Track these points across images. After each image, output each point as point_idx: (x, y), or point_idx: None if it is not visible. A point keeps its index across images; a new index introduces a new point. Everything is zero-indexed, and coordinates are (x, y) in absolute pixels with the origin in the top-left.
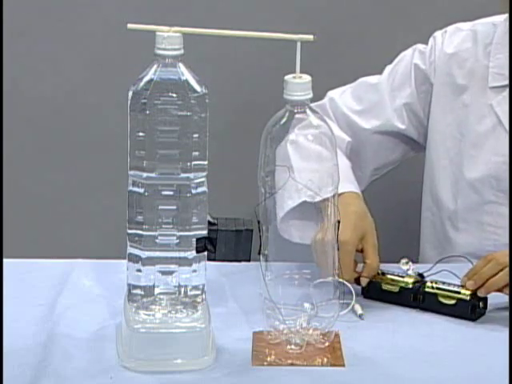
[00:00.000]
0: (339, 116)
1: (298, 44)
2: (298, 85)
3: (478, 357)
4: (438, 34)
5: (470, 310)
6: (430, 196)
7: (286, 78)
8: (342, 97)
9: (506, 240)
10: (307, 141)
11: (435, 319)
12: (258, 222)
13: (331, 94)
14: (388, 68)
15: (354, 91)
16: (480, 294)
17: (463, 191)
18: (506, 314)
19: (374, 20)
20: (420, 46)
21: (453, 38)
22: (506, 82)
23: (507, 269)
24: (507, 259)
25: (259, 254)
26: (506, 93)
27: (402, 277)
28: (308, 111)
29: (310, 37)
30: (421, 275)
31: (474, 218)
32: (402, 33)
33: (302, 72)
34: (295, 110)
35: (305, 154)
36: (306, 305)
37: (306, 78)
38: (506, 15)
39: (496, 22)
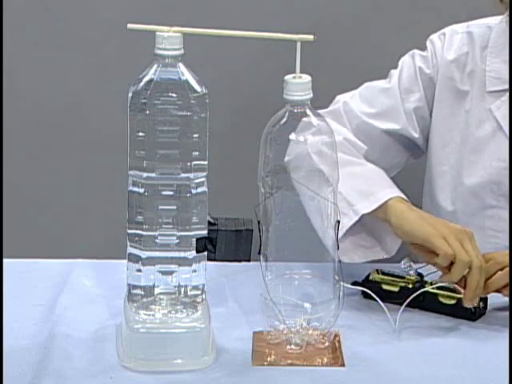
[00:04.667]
0: (353, 119)
1: (298, 44)
2: (298, 85)
3: (478, 357)
4: (434, 37)
5: (470, 309)
6: (430, 201)
7: (286, 78)
8: (352, 101)
9: (507, 243)
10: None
11: (435, 319)
12: (259, 222)
13: (341, 98)
14: (393, 73)
15: (362, 96)
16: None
17: (463, 196)
18: (506, 314)
19: (374, 20)
20: (418, 51)
21: (452, 41)
22: (504, 86)
23: (507, 269)
24: (506, 259)
25: (259, 253)
26: (505, 97)
27: (403, 277)
28: (308, 111)
29: (310, 37)
30: (420, 275)
31: (474, 223)
32: (402, 32)
33: (301, 73)
34: (295, 110)
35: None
36: (306, 305)
37: (306, 77)
38: (501, 17)
39: (491, 24)
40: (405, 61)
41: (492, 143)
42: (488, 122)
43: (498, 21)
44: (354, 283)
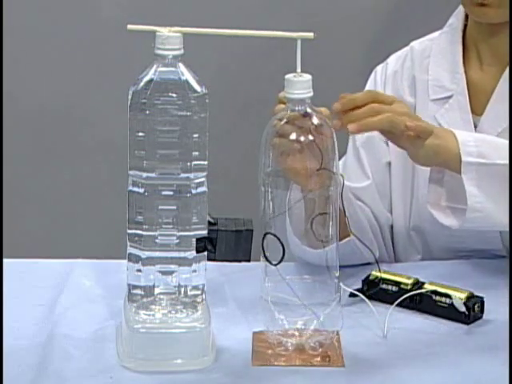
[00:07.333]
0: None
1: (299, 42)
2: (299, 83)
3: (478, 357)
4: (378, 68)
5: (466, 312)
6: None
7: (287, 76)
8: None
9: (474, 246)
10: None
11: (435, 320)
12: (265, 234)
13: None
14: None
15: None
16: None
17: (425, 209)
18: (505, 316)
19: (375, 19)
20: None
21: (393, 63)
22: (446, 93)
23: (390, 115)
24: (401, 110)
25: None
26: (448, 105)
27: (403, 278)
28: (309, 110)
29: (310, 34)
30: None
31: (441, 232)
32: (401, 32)
33: (301, 72)
34: (296, 109)
35: None
36: (307, 305)
37: (307, 76)
38: (440, 31)
39: (431, 37)
40: None
41: None
42: None
43: (437, 34)
44: (355, 290)
